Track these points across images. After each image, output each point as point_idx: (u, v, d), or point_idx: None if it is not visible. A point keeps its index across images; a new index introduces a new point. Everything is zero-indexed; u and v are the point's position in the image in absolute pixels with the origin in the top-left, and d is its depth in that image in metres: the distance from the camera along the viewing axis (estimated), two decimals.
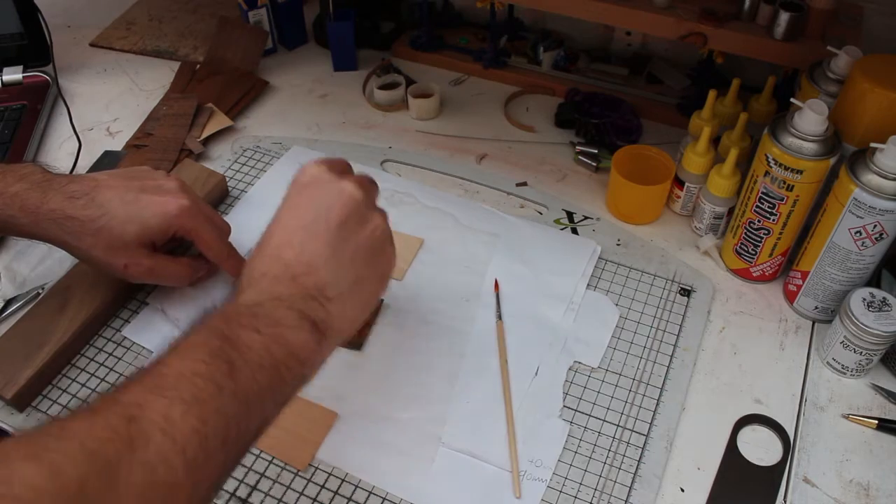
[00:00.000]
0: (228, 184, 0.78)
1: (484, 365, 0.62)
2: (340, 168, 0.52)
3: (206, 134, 0.83)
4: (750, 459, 0.57)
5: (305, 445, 0.57)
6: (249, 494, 0.55)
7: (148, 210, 0.58)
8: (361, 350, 0.63)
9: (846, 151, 0.59)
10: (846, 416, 0.59)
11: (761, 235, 0.65)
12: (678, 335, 0.64)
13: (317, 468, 0.56)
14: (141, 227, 0.57)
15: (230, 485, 0.55)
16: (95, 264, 0.59)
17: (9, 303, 0.67)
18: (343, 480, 0.55)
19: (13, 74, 0.91)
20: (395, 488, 0.55)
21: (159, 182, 0.60)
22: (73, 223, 0.56)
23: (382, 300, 0.66)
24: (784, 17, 0.71)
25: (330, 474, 0.56)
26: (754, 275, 0.69)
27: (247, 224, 0.74)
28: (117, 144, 0.84)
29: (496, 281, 0.67)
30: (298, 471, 0.56)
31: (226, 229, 0.65)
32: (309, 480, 0.55)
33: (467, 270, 0.69)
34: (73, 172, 0.78)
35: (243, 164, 0.81)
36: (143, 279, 0.61)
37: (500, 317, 0.65)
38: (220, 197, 0.76)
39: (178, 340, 0.41)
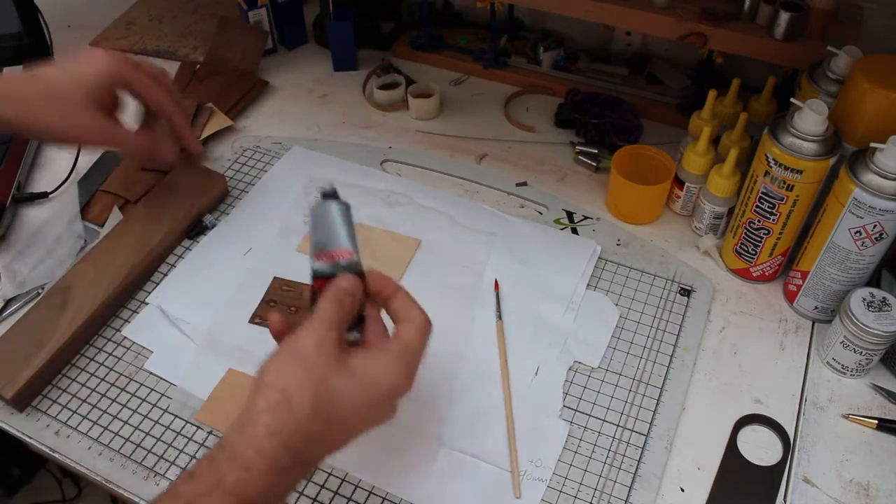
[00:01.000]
0: (228, 184, 0.78)
1: (484, 364, 0.62)
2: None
3: (206, 134, 0.83)
4: (750, 459, 0.57)
5: None
6: None
7: (81, 66, 0.61)
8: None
9: (846, 151, 0.59)
10: (846, 416, 0.59)
11: (761, 235, 0.65)
12: (678, 335, 0.64)
13: (317, 468, 0.56)
14: (82, 85, 0.60)
15: None
16: (56, 135, 0.62)
17: (9, 303, 0.67)
18: (343, 480, 0.55)
19: None
20: (396, 488, 0.55)
21: (87, 50, 0.64)
22: (25, 99, 0.59)
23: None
24: (784, 17, 0.71)
25: (330, 474, 0.56)
26: (754, 275, 0.69)
27: (247, 225, 0.74)
28: None
29: (496, 281, 0.67)
30: None
31: (164, 77, 0.67)
32: (309, 480, 0.55)
33: (466, 270, 0.69)
34: (73, 173, 0.78)
35: (243, 164, 0.81)
36: (101, 143, 0.64)
37: (500, 316, 0.65)
38: (220, 197, 0.76)
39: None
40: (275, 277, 0.68)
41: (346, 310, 0.45)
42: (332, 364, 0.42)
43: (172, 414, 0.59)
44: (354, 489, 0.55)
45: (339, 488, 0.55)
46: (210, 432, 0.58)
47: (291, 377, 0.41)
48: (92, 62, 0.61)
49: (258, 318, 0.65)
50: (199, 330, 0.64)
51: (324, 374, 0.42)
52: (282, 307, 0.66)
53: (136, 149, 0.65)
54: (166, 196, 0.73)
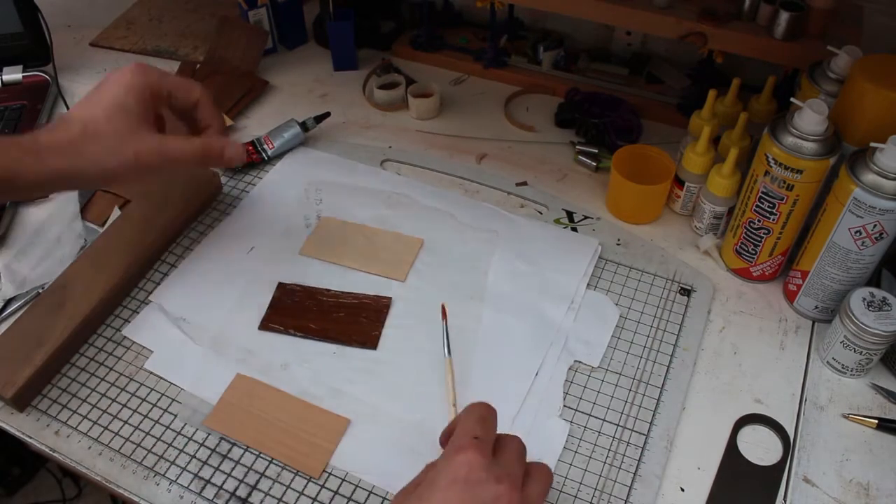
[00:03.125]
0: (228, 184, 0.78)
1: (487, 361, 0.62)
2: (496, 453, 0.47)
3: None
4: (750, 459, 0.57)
5: (319, 453, 0.56)
6: (249, 494, 0.55)
7: (112, 90, 0.56)
8: (377, 349, 0.63)
9: (846, 151, 0.59)
10: (846, 416, 0.59)
11: (761, 235, 0.65)
12: (678, 335, 0.64)
13: (328, 473, 0.56)
14: (119, 110, 0.55)
15: (230, 484, 0.55)
16: (111, 175, 0.56)
17: (9, 303, 0.67)
18: (343, 480, 0.55)
19: (13, 74, 0.91)
20: (396, 488, 0.54)
21: (105, 77, 0.58)
22: (71, 148, 0.54)
23: (391, 298, 0.66)
24: (784, 16, 0.71)
25: (330, 474, 0.56)
26: (754, 274, 0.69)
27: (249, 224, 0.74)
28: None
29: (443, 307, 0.64)
30: (298, 470, 0.56)
31: (191, 85, 0.61)
32: (309, 480, 0.55)
33: (470, 269, 0.69)
34: None
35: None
36: (158, 163, 0.57)
37: (448, 353, 0.61)
38: (213, 194, 0.76)
39: None
40: (279, 283, 0.68)
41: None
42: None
43: (172, 414, 0.59)
44: (354, 489, 0.55)
45: (339, 488, 0.55)
46: (210, 432, 0.58)
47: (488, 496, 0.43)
48: (115, 82, 0.56)
49: (268, 325, 0.65)
50: (201, 330, 0.64)
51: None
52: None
53: (190, 159, 0.58)
54: (161, 193, 0.73)
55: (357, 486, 0.55)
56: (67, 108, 0.87)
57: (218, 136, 0.61)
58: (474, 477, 0.44)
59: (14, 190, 0.55)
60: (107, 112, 0.55)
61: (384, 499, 0.54)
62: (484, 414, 0.48)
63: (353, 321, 0.65)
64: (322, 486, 0.55)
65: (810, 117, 0.57)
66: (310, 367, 0.62)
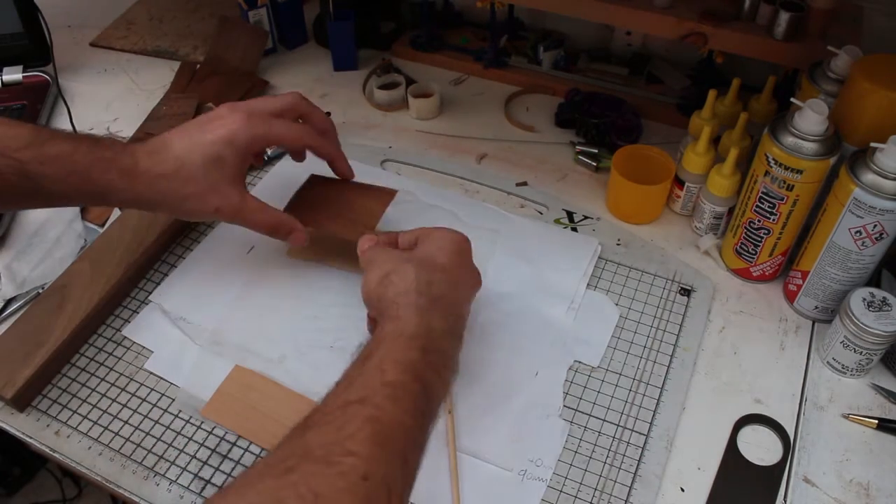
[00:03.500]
0: None
1: (487, 361, 0.62)
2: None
3: None
4: (750, 459, 0.57)
5: None
6: None
7: (216, 135, 0.57)
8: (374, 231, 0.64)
9: (846, 151, 0.59)
10: (846, 416, 0.59)
11: (761, 235, 0.65)
12: (678, 335, 0.64)
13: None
14: (216, 161, 0.57)
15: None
16: (187, 215, 0.59)
17: (9, 303, 0.67)
18: None
19: (13, 74, 0.91)
20: None
21: (212, 114, 0.60)
22: (162, 181, 0.56)
23: None
24: (784, 16, 0.71)
25: None
26: (754, 274, 0.69)
27: None
28: None
29: None
30: None
31: (304, 129, 0.63)
32: None
33: None
34: None
35: None
36: (232, 220, 0.60)
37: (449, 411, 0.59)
38: None
39: (384, 364, 0.45)
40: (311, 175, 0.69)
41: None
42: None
43: (172, 414, 0.59)
44: None
45: None
46: (210, 432, 0.58)
47: (389, 261, 0.53)
48: (221, 127, 0.57)
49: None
50: (201, 329, 0.64)
51: (405, 255, 0.55)
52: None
53: (264, 228, 0.62)
54: None
55: None
56: (67, 108, 0.87)
57: (290, 218, 0.63)
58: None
59: (104, 203, 0.58)
60: (204, 160, 0.57)
61: None
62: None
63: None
64: None
65: (810, 117, 0.57)
66: (306, 361, 0.62)
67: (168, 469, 0.56)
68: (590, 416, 0.59)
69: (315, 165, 0.76)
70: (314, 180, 0.69)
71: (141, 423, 0.59)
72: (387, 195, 0.68)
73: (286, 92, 0.64)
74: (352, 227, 0.64)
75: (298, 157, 0.68)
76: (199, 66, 0.94)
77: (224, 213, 0.59)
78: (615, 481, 0.55)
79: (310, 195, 0.68)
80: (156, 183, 0.56)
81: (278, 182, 0.79)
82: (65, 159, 0.54)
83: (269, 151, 0.80)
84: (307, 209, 0.66)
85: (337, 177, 0.67)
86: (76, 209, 0.74)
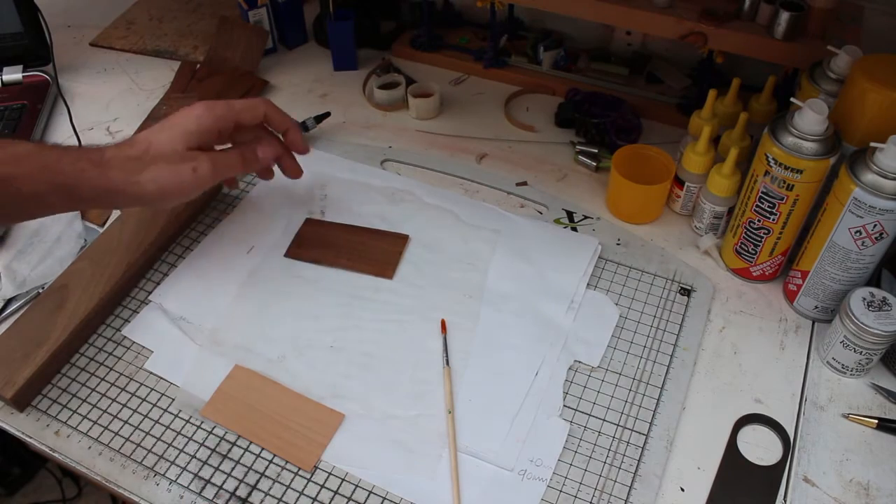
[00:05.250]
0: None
1: (487, 361, 0.62)
2: None
3: None
4: (750, 459, 0.57)
5: (312, 447, 0.57)
6: (249, 494, 0.55)
7: (179, 119, 0.60)
8: (392, 279, 0.68)
9: (846, 151, 0.59)
10: (846, 416, 0.59)
11: (761, 235, 0.65)
12: (678, 335, 0.64)
13: (317, 467, 0.56)
14: (184, 134, 0.59)
15: (230, 484, 0.55)
16: (166, 190, 0.59)
17: (9, 303, 0.67)
18: (343, 480, 0.55)
19: (13, 74, 0.91)
20: (400, 487, 0.55)
21: (182, 105, 0.63)
22: (133, 162, 0.58)
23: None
24: (784, 16, 0.71)
25: (330, 473, 0.56)
26: (754, 274, 0.69)
27: (249, 223, 0.74)
28: None
29: (443, 322, 0.64)
30: (298, 470, 0.56)
31: (261, 101, 0.65)
32: (309, 480, 0.55)
33: (469, 267, 0.69)
34: None
35: None
36: (212, 177, 0.61)
37: (447, 362, 0.61)
38: (213, 193, 0.76)
39: None
40: (307, 219, 0.71)
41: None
42: None
43: (172, 413, 0.59)
44: (354, 489, 0.55)
45: (339, 488, 0.55)
46: (210, 432, 0.58)
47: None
48: (183, 114, 0.61)
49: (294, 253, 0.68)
50: (201, 329, 0.64)
51: None
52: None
53: (240, 166, 0.64)
54: None
55: (357, 485, 0.55)
56: (67, 108, 0.87)
57: (249, 144, 0.65)
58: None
59: (78, 199, 0.58)
60: (171, 135, 0.59)
61: (384, 499, 0.54)
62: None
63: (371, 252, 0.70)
64: (322, 486, 0.55)
65: (810, 117, 0.57)
66: (306, 361, 0.62)
67: (168, 469, 0.56)
68: (590, 415, 0.59)
69: (315, 165, 0.76)
70: (311, 222, 0.73)
71: (141, 422, 0.59)
72: (401, 239, 0.71)
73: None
74: (375, 266, 0.69)
75: (267, 174, 0.71)
76: (199, 65, 0.94)
77: (200, 171, 0.60)
78: (615, 481, 0.55)
79: (315, 235, 0.72)
80: (127, 166, 0.57)
81: (278, 181, 0.79)
82: (32, 158, 0.55)
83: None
84: (318, 247, 0.70)
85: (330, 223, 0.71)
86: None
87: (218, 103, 0.62)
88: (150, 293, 0.68)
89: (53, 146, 0.58)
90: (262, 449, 0.57)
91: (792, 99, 0.59)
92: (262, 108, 0.65)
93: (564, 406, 0.59)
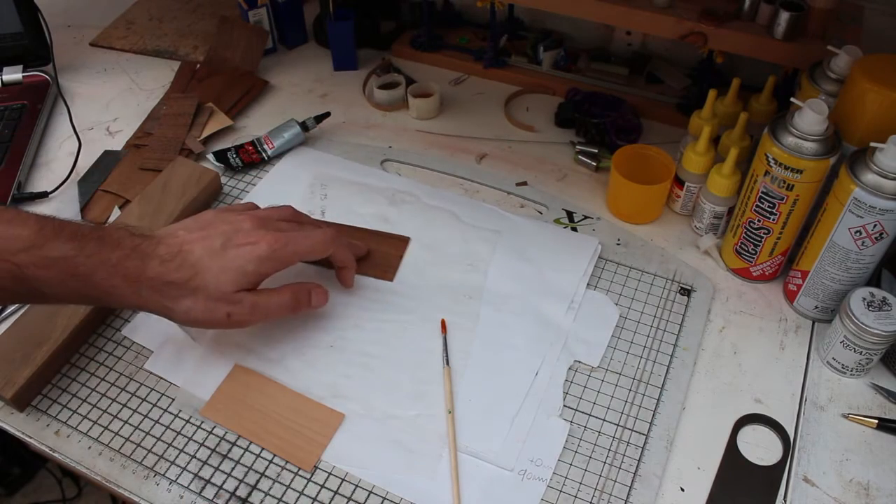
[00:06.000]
0: (228, 184, 0.78)
1: (487, 360, 0.62)
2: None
3: (206, 133, 0.83)
4: (750, 459, 0.57)
5: (312, 447, 0.57)
6: (249, 494, 0.55)
7: (241, 261, 0.55)
8: (392, 281, 0.68)
9: (846, 151, 0.59)
10: (846, 416, 0.59)
11: (761, 235, 0.65)
12: (678, 335, 0.64)
13: (317, 467, 0.56)
14: (236, 275, 0.55)
15: (230, 484, 0.55)
16: (196, 322, 0.56)
17: None
18: (343, 480, 0.55)
19: (13, 74, 0.91)
20: (400, 487, 0.55)
21: (235, 225, 0.57)
22: (172, 288, 0.54)
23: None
24: (784, 16, 0.71)
25: (330, 473, 0.56)
26: (754, 274, 0.69)
27: None
28: (117, 144, 0.84)
29: (443, 322, 0.64)
30: (298, 470, 0.56)
31: (327, 237, 0.61)
32: (309, 480, 0.55)
33: (469, 267, 0.69)
34: (73, 173, 0.78)
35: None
36: (249, 321, 0.57)
37: (447, 362, 0.61)
38: (214, 194, 0.76)
39: None
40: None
41: None
42: None
43: (172, 413, 0.59)
44: (354, 489, 0.55)
45: (339, 488, 0.55)
46: (210, 432, 0.58)
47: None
48: (253, 253, 0.56)
49: None
50: (201, 329, 0.64)
51: None
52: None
53: (282, 312, 0.59)
54: (160, 193, 0.73)
55: (357, 485, 0.55)
56: (67, 108, 0.87)
57: (300, 285, 0.61)
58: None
59: (103, 305, 0.59)
60: (223, 270, 0.55)
61: (384, 499, 0.54)
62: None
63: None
64: (322, 486, 0.55)
65: (810, 117, 0.57)
66: (306, 361, 0.62)
67: (168, 469, 0.56)
68: (590, 415, 0.59)
69: (315, 164, 0.76)
70: None
71: (141, 422, 0.59)
72: (402, 242, 0.71)
73: (279, 206, 0.64)
74: (375, 270, 0.69)
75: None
76: (199, 65, 0.94)
77: (236, 317, 0.56)
78: (615, 481, 0.55)
79: None
80: (164, 291, 0.54)
81: (279, 181, 0.79)
82: (66, 262, 0.51)
83: (269, 152, 0.80)
84: None
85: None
86: (76, 209, 0.74)
87: (286, 248, 0.57)
88: None
89: (91, 246, 0.52)
90: (262, 449, 0.57)
91: (792, 99, 0.59)
92: (331, 250, 0.62)
93: (564, 406, 0.59)
